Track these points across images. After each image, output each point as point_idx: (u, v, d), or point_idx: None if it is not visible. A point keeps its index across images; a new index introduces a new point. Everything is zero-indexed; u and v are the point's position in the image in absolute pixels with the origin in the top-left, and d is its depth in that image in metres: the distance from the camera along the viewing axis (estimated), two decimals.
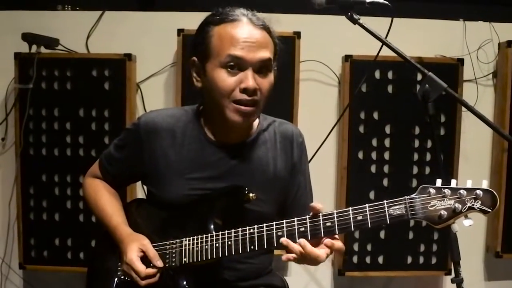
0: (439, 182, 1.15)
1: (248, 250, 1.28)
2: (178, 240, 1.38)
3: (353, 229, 1.19)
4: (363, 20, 1.45)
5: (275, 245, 1.26)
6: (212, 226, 1.36)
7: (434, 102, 1.34)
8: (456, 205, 1.11)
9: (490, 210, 1.09)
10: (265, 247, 1.27)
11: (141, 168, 1.47)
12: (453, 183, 1.14)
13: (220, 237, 1.32)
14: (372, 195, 2.54)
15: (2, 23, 2.58)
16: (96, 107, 2.49)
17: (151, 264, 1.35)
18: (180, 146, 1.44)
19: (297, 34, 2.45)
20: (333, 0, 1.47)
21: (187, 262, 1.35)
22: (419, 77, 2.49)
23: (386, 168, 2.55)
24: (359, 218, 1.18)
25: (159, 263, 1.35)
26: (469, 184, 1.12)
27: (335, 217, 1.20)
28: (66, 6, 2.62)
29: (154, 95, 2.63)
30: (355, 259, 2.56)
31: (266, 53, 1.33)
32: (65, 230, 2.51)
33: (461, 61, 2.53)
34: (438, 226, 1.14)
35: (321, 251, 1.22)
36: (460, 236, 1.30)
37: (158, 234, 1.43)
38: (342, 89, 2.58)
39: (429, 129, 1.42)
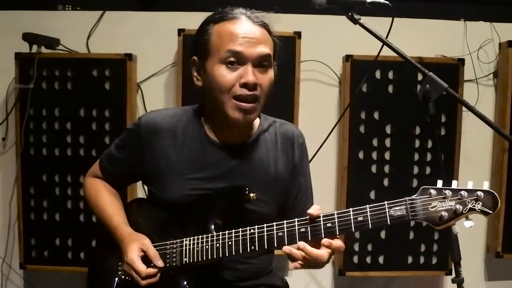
0: (440, 183, 1.14)
1: (248, 251, 1.28)
2: (178, 240, 1.38)
3: (353, 230, 1.19)
4: (364, 20, 1.45)
5: (276, 245, 1.26)
6: (212, 226, 1.36)
7: (434, 102, 1.34)
8: (457, 206, 1.11)
9: (491, 212, 1.09)
10: (266, 247, 1.27)
11: (141, 168, 1.47)
12: (454, 184, 1.14)
13: (220, 237, 1.32)
14: (372, 195, 2.54)
15: (3, 23, 2.59)
16: (97, 107, 2.49)
17: (152, 264, 1.36)
18: (181, 146, 1.44)
19: (298, 34, 2.45)
20: (334, 0, 1.47)
21: (187, 262, 1.35)
22: (420, 77, 2.49)
23: (386, 168, 2.54)
24: (360, 219, 1.18)
25: (160, 263, 1.35)
26: (470, 185, 1.12)
27: (336, 218, 1.20)
28: (66, 6, 2.62)
29: (155, 95, 2.63)
30: (355, 259, 2.56)
31: (265, 49, 1.34)
32: (65, 230, 2.51)
33: (461, 61, 2.53)
34: (438, 227, 1.13)
35: (322, 251, 1.21)
36: (460, 236, 1.30)
37: (158, 234, 1.44)
38: (343, 89, 2.58)
39: (430, 129, 1.42)
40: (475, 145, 2.66)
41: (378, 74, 2.52)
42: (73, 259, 2.51)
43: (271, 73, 1.38)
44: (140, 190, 2.50)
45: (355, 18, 1.44)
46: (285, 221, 1.26)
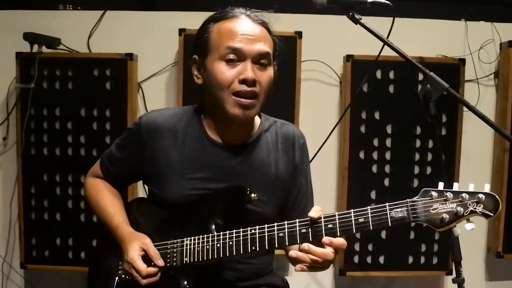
0: (441, 185, 1.14)
1: (249, 251, 1.28)
2: (179, 240, 1.38)
3: (354, 231, 1.19)
4: (365, 20, 1.45)
5: (277, 246, 1.26)
6: (213, 226, 1.36)
7: (435, 102, 1.34)
8: (458, 208, 1.11)
9: (492, 214, 1.09)
10: (267, 247, 1.26)
11: (142, 167, 1.47)
12: (455, 186, 1.14)
13: (221, 237, 1.32)
14: (373, 195, 2.54)
15: (4, 22, 2.59)
16: (98, 107, 2.49)
17: (152, 263, 1.35)
18: (182, 146, 1.44)
19: (299, 34, 2.45)
20: (335, 0, 1.47)
21: (188, 262, 1.34)
22: (421, 77, 2.49)
23: (387, 168, 2.54)
24: (361, 220, 1.18)
25: (160, 262, 1.35)
26: (471, 188, 1.12)
27: (337, 219, 1.20)
28: (67, 5, 2.62)
29: (156, 94, 2.63)
30: (356, 259, 2.56)
31: (264, 47, 1.35)
32: (66, 229, 2.52)
33: (462, 61, 2.53)
34: (439, 229, 1.13)
35: (327, 249, 1.20)
36: (461, 236, 1.29)
37: (159, 234, 1.43)
38: (344, 89, 2.58)
39: (431, 129, 1.41)
40: (476, 145, 2.66)
41: (379, 74, 2.52)
42: (73, 258, 2.51)
43: (270, 71, 1.38)
44: (140, 190, 2.50)
45: (356, 18, 1.44)
46: (286, 222, 1.25)
